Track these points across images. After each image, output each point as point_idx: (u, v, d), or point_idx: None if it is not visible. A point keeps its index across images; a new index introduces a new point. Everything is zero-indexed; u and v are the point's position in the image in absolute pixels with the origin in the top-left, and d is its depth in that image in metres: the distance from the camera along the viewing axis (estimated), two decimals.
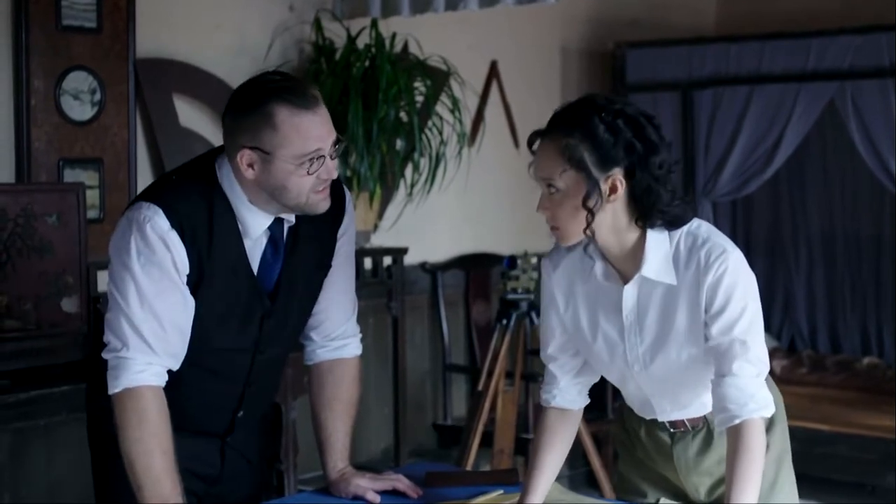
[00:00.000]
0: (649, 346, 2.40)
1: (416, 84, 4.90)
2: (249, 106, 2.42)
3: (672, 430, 2.53)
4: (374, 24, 4.83)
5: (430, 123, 4.91)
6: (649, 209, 2.31)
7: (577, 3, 5.99)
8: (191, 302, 2.47)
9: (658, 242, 2.34)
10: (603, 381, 2.64)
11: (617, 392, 2.64)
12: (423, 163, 4.84)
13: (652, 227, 2.34)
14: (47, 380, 3.38)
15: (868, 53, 5.54)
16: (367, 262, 4.94)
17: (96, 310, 3.80)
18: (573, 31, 6.33)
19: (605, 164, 2.27)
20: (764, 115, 5.82)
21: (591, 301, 2.45)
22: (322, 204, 2.48)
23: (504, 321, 4.74)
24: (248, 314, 2.55)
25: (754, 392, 2.29)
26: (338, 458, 2.78)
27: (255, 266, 2.53)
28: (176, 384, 2.50)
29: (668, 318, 2.37)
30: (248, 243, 2.52)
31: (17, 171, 4.03)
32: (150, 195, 2.48)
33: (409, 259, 5.18)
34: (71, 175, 4.13)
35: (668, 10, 6.57)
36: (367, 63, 4.76)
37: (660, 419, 2.53)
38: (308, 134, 2.40)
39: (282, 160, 2.39)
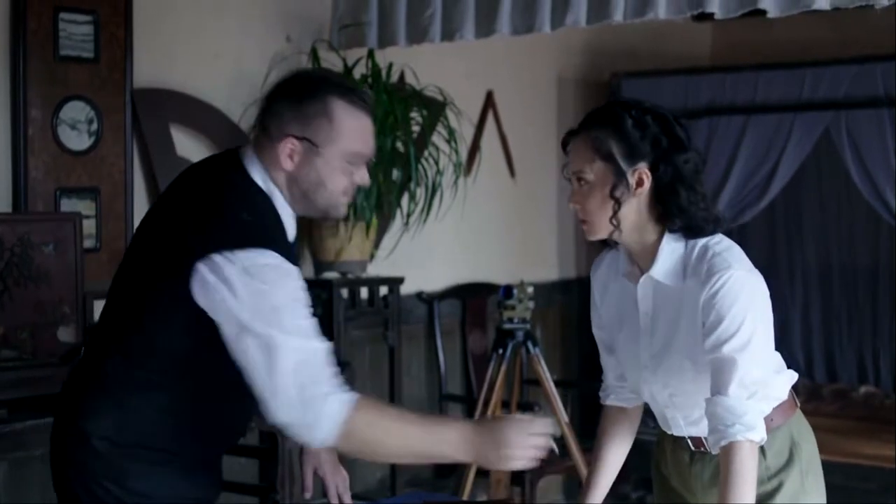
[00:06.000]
0: (658, 349, 2.46)
1: (413, 114, 4.91)
2: (306, 95, 2.35)
3: (693, 448, 2.55)
4: (371, 54, 4.85)
5: (426, 153, 4.92)
6: (669, 207, 2.38)
7: (572, 32, 5.99)
8: None
9: (673, 247, 2.41)
10: None
11: None
12: (420, 192, 4.85)
13: (671, 230, 2.41)
14: (44, 409, 3.36)
15: (863, 83, 5.55)
16: (364, 292, 4.93)
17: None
18: (569, 61, 6.35)
19: (633, 157, 2.37)
20: (759, 144, 5.83)
21: (618, 298, 2.55)
22: (343, 209, 2.44)
23: (500, 350, 4.74)
24: None
25: (743, 414, 2.28)
26: None
27: None
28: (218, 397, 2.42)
29: (675, 324, 2.43)
30: None
31: (14, 201, 4.03)
32: (242, 241, 2.25)
33: (406, 288, 5.17)
34: (68, 204, 4.12)
35: (664, 41, 6.59)
36: None
37: (675, 433, 2.56)
38: (362, 135, 2.38)
39: (329, 155, 2.34)
